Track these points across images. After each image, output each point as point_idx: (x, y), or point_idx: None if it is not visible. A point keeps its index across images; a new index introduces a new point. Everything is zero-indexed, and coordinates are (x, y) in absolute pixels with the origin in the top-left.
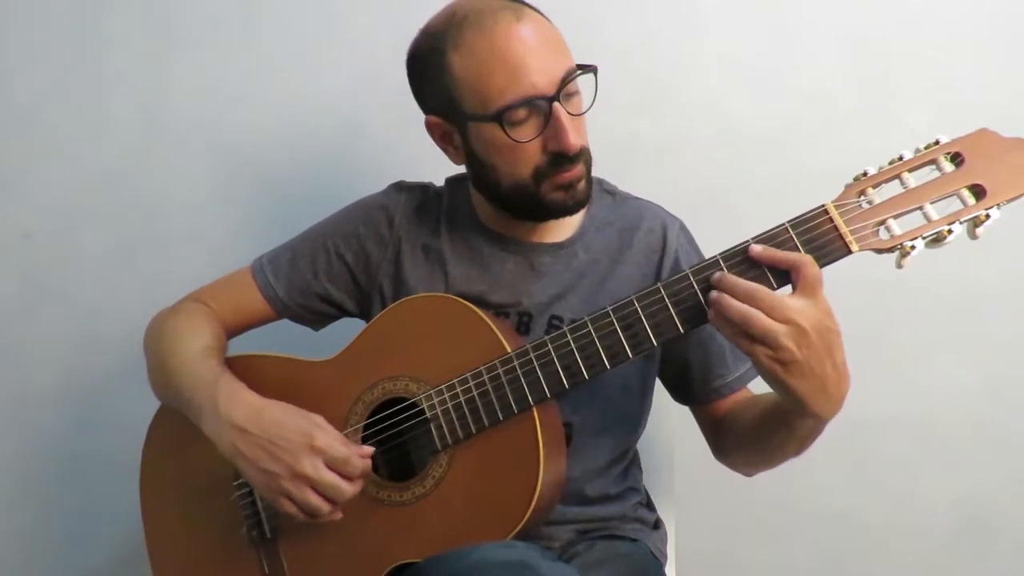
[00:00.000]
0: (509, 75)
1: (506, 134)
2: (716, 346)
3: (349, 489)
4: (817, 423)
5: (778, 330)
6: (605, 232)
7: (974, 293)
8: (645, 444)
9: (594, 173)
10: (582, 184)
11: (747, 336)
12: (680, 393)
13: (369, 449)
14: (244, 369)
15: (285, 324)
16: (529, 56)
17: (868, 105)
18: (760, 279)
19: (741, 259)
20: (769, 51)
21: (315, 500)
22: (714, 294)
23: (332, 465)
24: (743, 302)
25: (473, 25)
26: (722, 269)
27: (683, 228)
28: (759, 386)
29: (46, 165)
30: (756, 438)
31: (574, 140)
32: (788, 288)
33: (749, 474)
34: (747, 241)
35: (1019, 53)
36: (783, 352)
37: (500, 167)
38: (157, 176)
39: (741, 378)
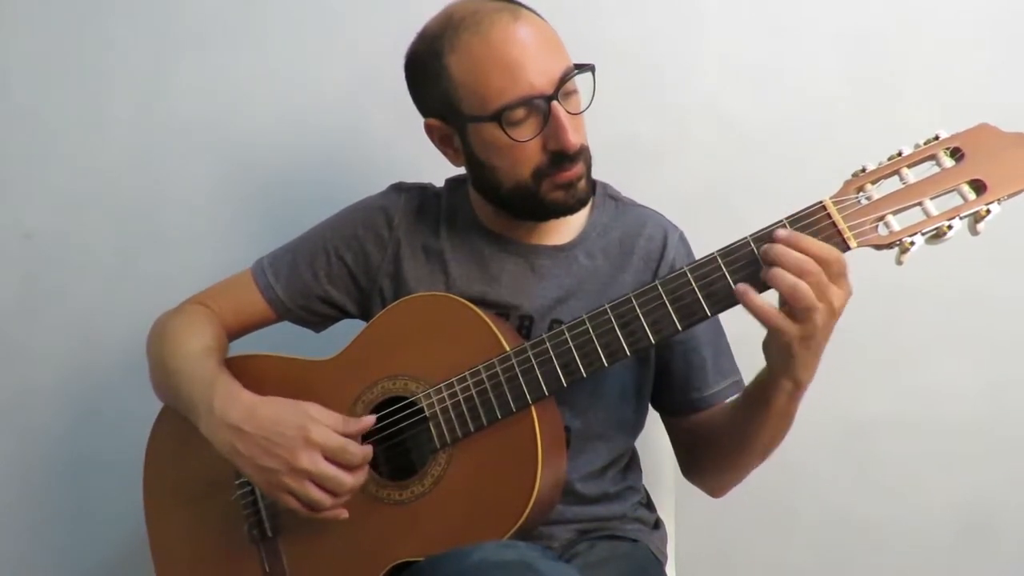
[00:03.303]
0: (507, 75)
1: (505, 134)
2: (699, 359)
3: (349, 480)
4: (794, 389)
5: (818, 309)
6: (607, 238)
7: (976, 294)
8: (645, 444)
9: (595, 175)
10: (582, 183)
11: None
12: (656, 400)
13: (367, 448)
14: (244, 369)
15: (285, 324)
16: (526, 56)
17: (868, 105)
18: (753, 277)
19: (738, 256)
20: (769, 51)
21: (316, 493)
22: (764, 270)
23: (330, 456)
24: (803, 267)
25: (470, 27)
26: (720, 266)
27: (683, 238)
28: None
29: (46, 165)
30: (731, 435)
31: (574, 139)
32: None
33: (717, 490)
34: (745, 238)
35: (1019, 53)
36: (810, 327)
37: (500, 168)
38: (157, 176)
39: (718, 394)
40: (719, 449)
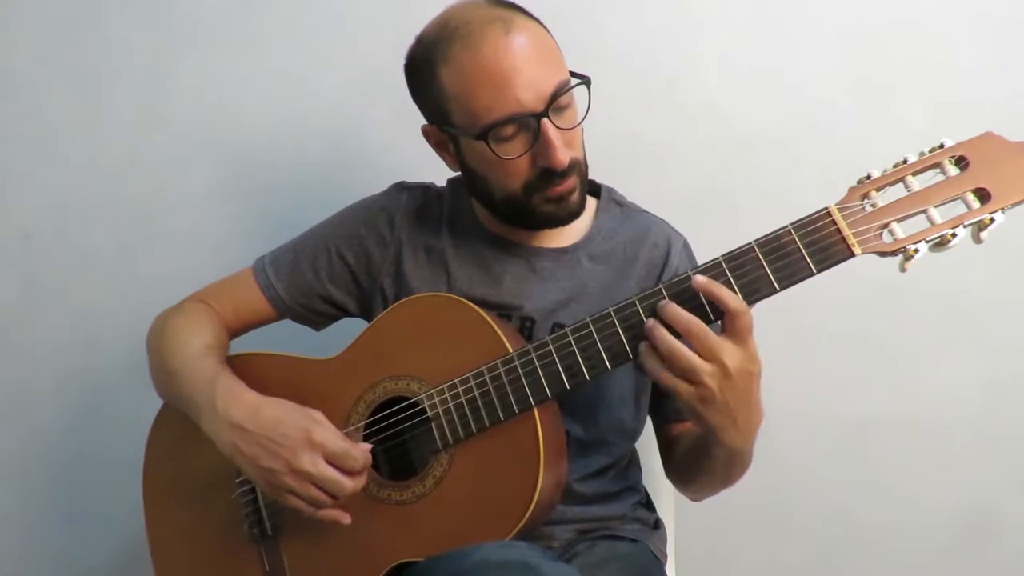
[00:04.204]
0: (495, 92)
1: (492, 151)
2: None
3: (349, 484)
4: (729, 453)
5: (704, 368)
6: (611, 242)
7: (976, 295)
8: (645, 444)
9: (596, 176)
10: (574, 196)
11: (672, 369)
12: (650, 406)
13: (367, 446)
14: (246, 368)
15: (287, 323)
16: (516, 72)
17: (868, 105)
18: (759, 282)
19: (743, 260)
20: (769, 51)
21: (316, 494)
22: (649, 322)
23: (331, 460)
24: (680, 332)
25: (463, 38)
26: (725, 271)
27: (686, 246)
28: None
29: (46, 165)
30: (689, 463)
31: (562, 157)
32: None
33: (693, 498)
34: (750, 244)
35: (1019, 53)
36: (704, 389)
37: (491, 180)
38: (157, 176)
39: None
40: (686, 469)
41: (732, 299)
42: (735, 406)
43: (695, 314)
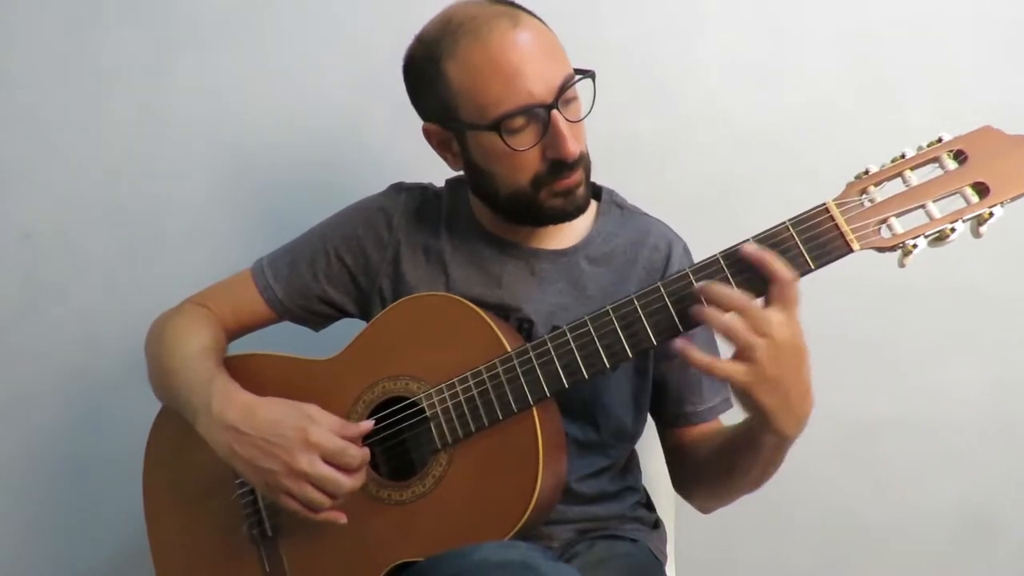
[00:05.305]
0: (505, 84)
1: (504, 143)
2: (695, 374)
3: (347, 482)
4: (780, 442)
5: (757, 344)
6: (611, 245)
7: (980, 295)
8: (645, 444)
9: (596, 176)
10: (581, 190)
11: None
12: (653, 410)
13: (364, 451)
14: (244, 368)
15: (286, 324)
16: (525, 64)
17: (868, 105)
18: (753, 280)
19: (739, 259)
20: (769, 51)
21: (314, 495)
22: (696, 308)
23: (329, 459)
24: (736, 303)
25: (468, 33)
26: (723, 268)
27: (687, 250)
28: (729, 419)
29: (46, 165)
30: (719, 464)
31: (573, 147)
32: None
33: (706, 508)
34: (748, 240)
35: (1019, 53)
36: (758, 367)
37: (499, 175)
38: (157, 176)
39: (712, 410)
40: (708, 473)
41: (783, 268)
42: (787, 385)
43: None
